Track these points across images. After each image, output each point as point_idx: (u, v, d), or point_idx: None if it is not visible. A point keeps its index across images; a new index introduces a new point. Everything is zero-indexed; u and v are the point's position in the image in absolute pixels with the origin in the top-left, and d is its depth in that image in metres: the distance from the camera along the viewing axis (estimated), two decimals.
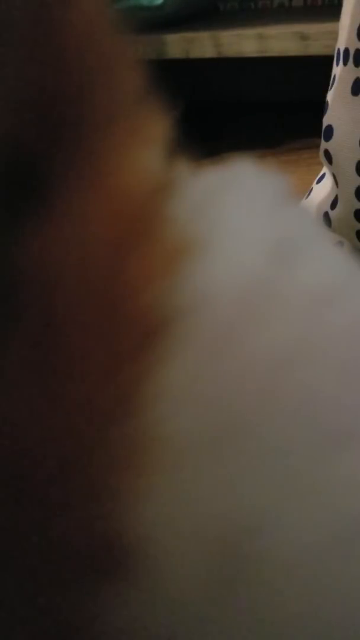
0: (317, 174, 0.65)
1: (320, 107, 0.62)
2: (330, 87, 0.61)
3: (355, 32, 0.57)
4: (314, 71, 0.81)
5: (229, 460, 0.16)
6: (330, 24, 0.97)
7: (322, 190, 0.63)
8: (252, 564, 0.16)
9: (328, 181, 0.62)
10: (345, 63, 0.58)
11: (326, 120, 0.60)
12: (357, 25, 0.57)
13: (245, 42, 1.06)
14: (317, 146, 0.62)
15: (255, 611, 0.16)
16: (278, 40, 1.04)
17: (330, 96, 0.60)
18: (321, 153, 0.61)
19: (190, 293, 0.17)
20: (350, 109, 0.57)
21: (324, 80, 0.63)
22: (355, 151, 0.57)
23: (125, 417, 0.16)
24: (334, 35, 0.61)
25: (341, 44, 0.59)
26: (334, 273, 0.18)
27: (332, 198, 0.61)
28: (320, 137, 0.61)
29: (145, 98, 0.19)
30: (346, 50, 0.58)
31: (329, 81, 0.61)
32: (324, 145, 0.60)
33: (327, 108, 0.61)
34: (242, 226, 0.18)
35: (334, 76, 0.60)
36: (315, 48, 1.01)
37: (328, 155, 0.60)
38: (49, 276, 0.17)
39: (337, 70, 0.59)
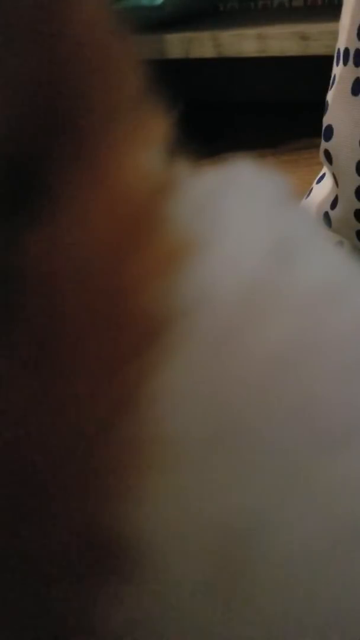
0: (317, 174, 0.65)
1: (320, 107, 0.62)
2: (330, 87, 0.61)
3: (355, 32, 0.57)
4: (314, 71, 0.81)
5: (228, 460, 0.16)
6: (330, 24, 0.97)
7: (322, 190, 0.63)
8: (251, 563, 0.16)
9: (328, 181, 0.62)
10: (345, 63, 0.58)
11: (326, 120, 0.60)
12: (357, 25, 0.57)
13: (245, 42, 1.06)
14: (317, 146, 0.62)
15: (255, 610, 0.16)
16: (278, 40, 1.04)
17: (330, 96, 0.60)
18: (321, 153, 0.61)
19: (190, 293, 0.17)
20: (350, 109, 0.57)
21: (324, 80, 0.63)
22: (355, 151, 0.57)
23: (125, 416, 0.16)
24: (334, 35, 0.61)
25: (341, 44, 0.59)
26: (334, 273, 0.18)
27: (332, 198, 0.61)
28: (320, 137, 0.61)
29: (145, 98, 0.19)
30: (346, 50, 0.58)
31: (329, 81, 0.61)
32: (324, 145, 0.60)
33: (327, 108, 0.61)
34: (242, 226, 0.18)
35: (334, 76, 0.60)
36: (315, 48, 1.01)
37: (328, 155, 0.60)
38: (49, 276, 0.17)
39: (337, 70, 0.59)
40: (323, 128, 0.61)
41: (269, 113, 1.28)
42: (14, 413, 0.16)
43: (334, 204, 0.60)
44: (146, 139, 0.19)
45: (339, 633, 0.16)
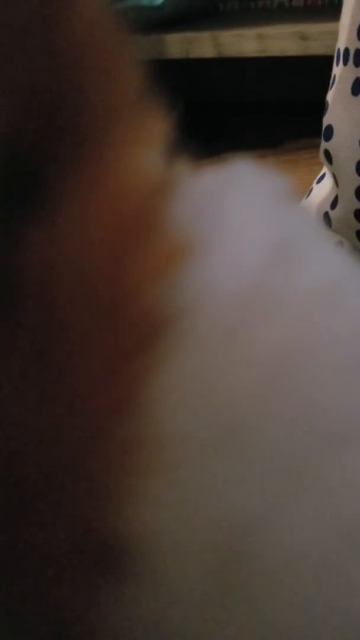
0: (317, 174, 0.65)
1: (320, 107, 0.62)
2: (330, 87, 0.61)
3: (355, 32, 0.57)
4: (314, 71, 0.81)
5: (228, 460, 0.16)
6: (330, 24, 0.97)
7: (322, 190, 0.63)
8: (250, 564, 0.16)
9: (328, 181, 0.62)
10: (345, 63, 0.58)
11: (326, 120, 0.60)
12: (357, 25, 0.57)
13: (245, 42, 1.06)
14: (317, 146, 0.62)
15: (254, 610, 0.16)
16: (278, 40, 1.04)
17: (330, 96, 0.60)
18: (321, 153, 0.61)
19: (190, 293, 0.17)
20: (351, 109, 0.57)
21: (324, 80, 0.63)
22: (355, 151, 0.57)
23: (124, 417, 0.16)
24: (334, 35, 0.61)
25: (341, 44, 0.59)
26: (334, 273, 0.18)
27: (332, 198, 0.61)
28: (320, 137, 0.61)
29: (145, 98, 0.19)
30: (346, 50, 0.58)
31: (329, 81, 0.61)
32: (324, 145, 0.60)
33: (327, 108, 0.61)
34: (242, 226, 0.18)
35: (334, 76, 0.60)
36: (315, 48, 1.01)
37: (328, 155, 0.60)
38: (48, 276, 0.17)
39: (337, 70, 0.59)
40: (323, 128, 0.61)
41: (269, 113, 1.28)
42: (14, 413, 0.16)
43: (334, 204, 0.60)
44: (146, 139, 0.19)
45: (340, 634, 0.16)
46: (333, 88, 0.60)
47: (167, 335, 0.16)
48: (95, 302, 0.17)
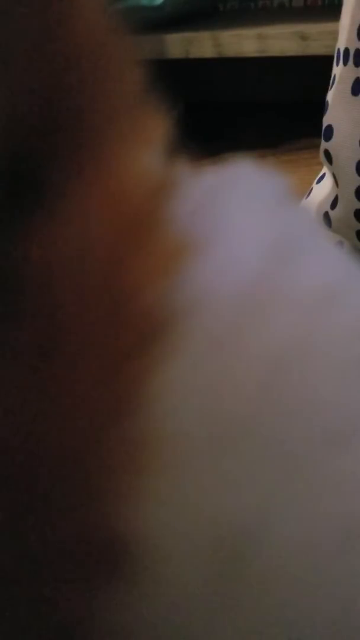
0: (317, 174, 0.65)
1: (320, 107, 0.62)
2: (330, 87, 0.61)
3: (355, 32, 0.57)
4: (314, 71, 0.81)
5: (228, 460, 0.16)
6: (330, 24, 0.97)
7: (322, 190, 0.63)
8: (251, 563, 0.16)
9: (328, 181, 0.62)
10: (345, 63, 0.58)
11: (326, 120, 0.60)
12: (357, 25, 0.57)
13: (245, 42, 1.06)
14: (317, 146, 0.62)
15: (255, 609, 0.16)
16: (278, 40, 1.04)
17: (330, 96, 0.60)
18: (321, 153, 0.61)
19: (191, 293, 0.17)
20: (351, 109, 0.57)
21: (324, 80, 0.63)
22: (355, 151, 0.57)
23: (125, 416, 0.16)
24: (334, 35, 0.61)
25: (341, 44, 0.59)
26: (334, 273, 0.18)
27: (332, 198, 0.61)
28: (320, 137, 0.61)
29: (145, 98, 0.19)
30: (346, 50, 0.58)
31: (329, 81, 0.61)
32: (324, 145, 0.60)
33: (327, 108, 0.61)
34: (242, 226, 0.18)
35: (334, 76, 0.60)
36: (315, 48, 1.01)
37: (328, 155, 0.60)
38: (49, 276, 0.17)
39: (337, 70, 0.59)
40: (323, 128, 0.61)
41: (269, 113, 1.28)
42: (15, 413, 0.16)
43: (334, 204, 0.60)
44: (146, 139, 0.19)
45: (342, 631, 0.16)
46: (333, 88, 0.60)
47: (167, 335, 0.16)
48: (96, 302, 0.17)
